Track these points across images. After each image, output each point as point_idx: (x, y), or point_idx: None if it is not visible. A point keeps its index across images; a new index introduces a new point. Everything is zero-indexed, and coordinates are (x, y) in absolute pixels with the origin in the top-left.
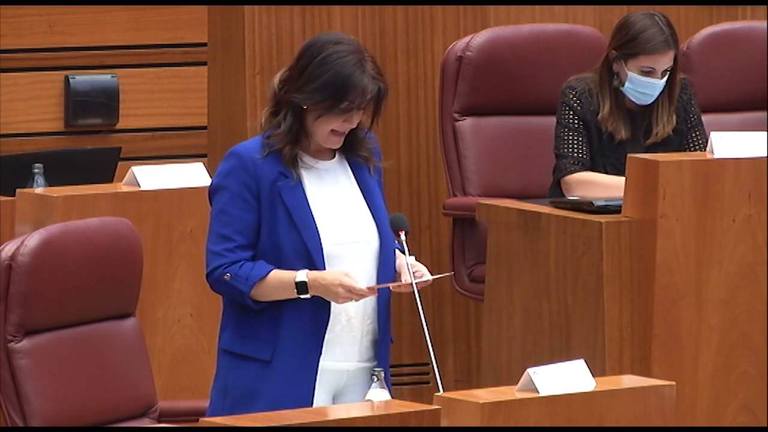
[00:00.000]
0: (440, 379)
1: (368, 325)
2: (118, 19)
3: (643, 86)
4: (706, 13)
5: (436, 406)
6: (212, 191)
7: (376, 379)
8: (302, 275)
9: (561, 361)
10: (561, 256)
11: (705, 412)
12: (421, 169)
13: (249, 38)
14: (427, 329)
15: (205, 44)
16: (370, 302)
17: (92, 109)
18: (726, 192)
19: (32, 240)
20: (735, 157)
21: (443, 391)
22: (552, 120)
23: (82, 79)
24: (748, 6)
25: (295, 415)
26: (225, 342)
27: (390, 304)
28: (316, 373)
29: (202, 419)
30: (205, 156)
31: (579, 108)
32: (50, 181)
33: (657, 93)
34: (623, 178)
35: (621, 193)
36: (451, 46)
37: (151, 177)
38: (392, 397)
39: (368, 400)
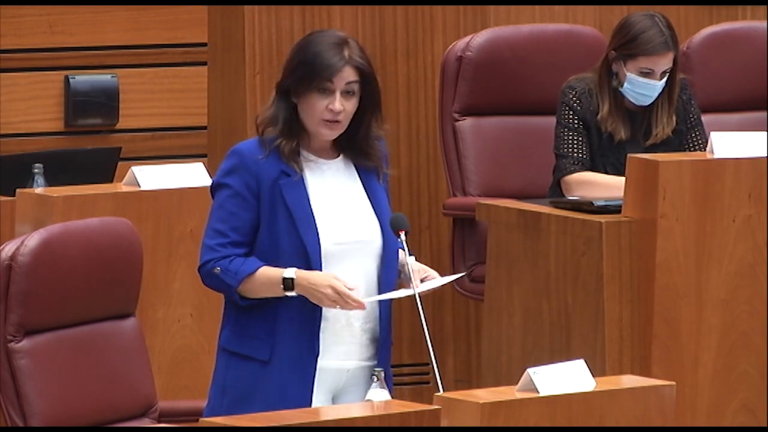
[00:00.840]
0: (440, 379)
1: (369, 324)
2: (118, 19)
3: (641, 87)
4: (706, 13)
5: (436, 406)
6: (213, 188)
7: (376, 379)
8: (290, 272)
9: (561, 361)
10: (561, 256)
11: (705, 412)
12: (421, 169)
13: (249, 38)
14: (427, 329)
15: (205, 44)
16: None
17: (92, 109)
18: (726, 192)
19: (32, 240)
20: (735, 157)
21: (443, 391)
22: (552, 120)
23: (82, 79)
24: (748, 6)
25: (295, 415)
26: (224, 340)
27: (391, 304)
28: (315, 373)
29: (201, 419)
30: (205, 156)
31: (579, 108)
32: (50, 181)
33: (656, 94)
34: (623, 178)
35: (621, 193)
36: (451, 46)
37: (151, 177)
38: (392, 397)
39: (368, 400)
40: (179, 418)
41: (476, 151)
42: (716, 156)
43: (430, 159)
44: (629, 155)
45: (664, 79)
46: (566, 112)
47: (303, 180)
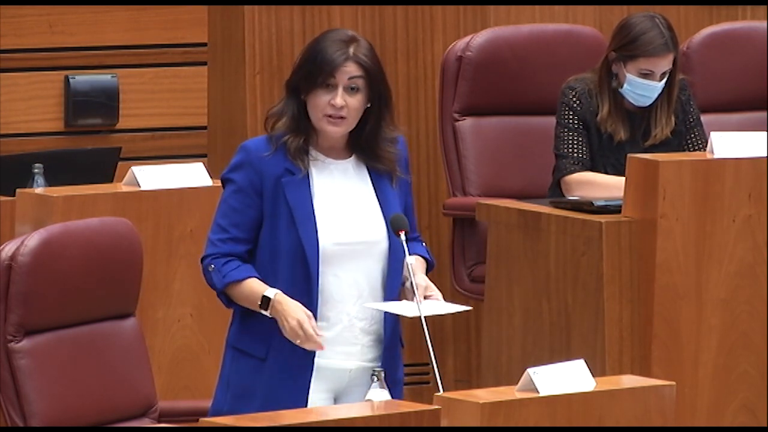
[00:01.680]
0: (440, 379)
1: (371, 326)
2: (118, 19)
3: (641, 88)
4: (706, 13)
5: (436, 406)
6: (222, 182)
7: (376, 379)
8: (271, 292)
9: (561, 361)
10: (561, 256)
11: (705, 412)
12: (421, 169)
13: (249, 38)
14: (427, 329)
15: (205, 44)
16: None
17: (92, 109)
18: (726, 192)
19: (32, 240)
20: (735, 157)
21: (443, 391)
22: (552, 120)
23: (82, 79)
24: (748, 6)
25: (296, 415)
26: (230, 336)
27: None
28: (312, 372)
29: (202, 419)
30: (205, 156)
31: (579, 108)
32: (50, 181)
33: (655, 95)
34: (623, 178)
35: (621, 193)
36: (451, 46)
37: (151, 177)
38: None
39: (368, 400)
40: (179, 418)
41: (476, 151)
42: (716, 156)
43: (430, 159)
44: (629, 155)
45: (664, 80)
46: (566, 112)
47: (308, 179)
